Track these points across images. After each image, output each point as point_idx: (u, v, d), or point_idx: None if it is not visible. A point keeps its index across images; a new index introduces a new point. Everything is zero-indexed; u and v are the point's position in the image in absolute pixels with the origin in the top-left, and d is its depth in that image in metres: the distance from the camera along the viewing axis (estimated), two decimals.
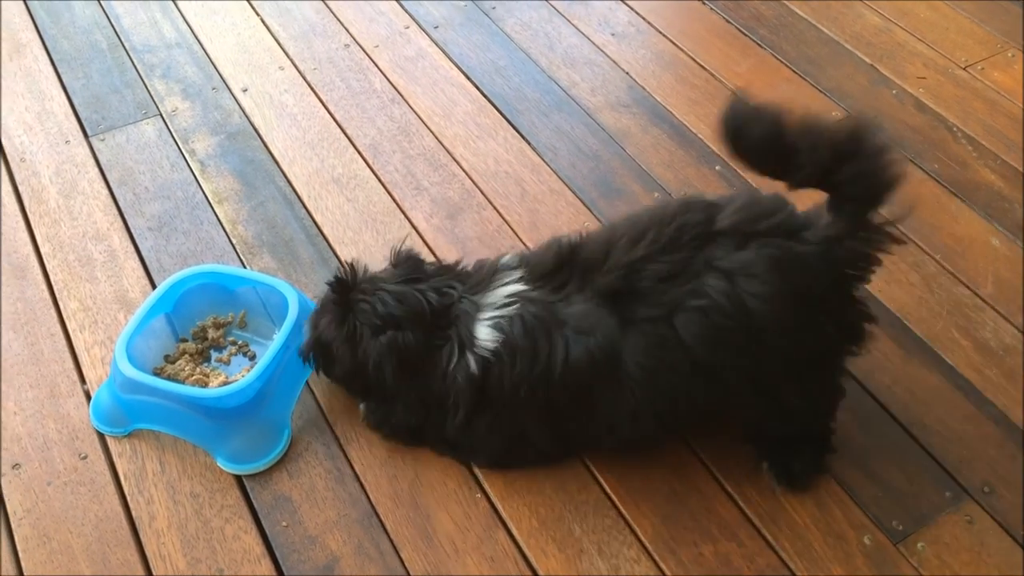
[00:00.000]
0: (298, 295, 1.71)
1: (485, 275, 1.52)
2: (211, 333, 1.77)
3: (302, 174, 2.11)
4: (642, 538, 1.48)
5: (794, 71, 2.31)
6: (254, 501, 1.55)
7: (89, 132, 2.23)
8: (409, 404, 1.52)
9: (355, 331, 1.49)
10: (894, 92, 2.24)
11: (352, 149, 2.17)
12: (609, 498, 1.53)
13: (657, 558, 1.45)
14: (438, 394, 1.47)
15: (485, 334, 1.43)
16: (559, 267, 1.47)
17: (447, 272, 1.56)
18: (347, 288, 1.52)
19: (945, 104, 2.20)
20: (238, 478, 1.58)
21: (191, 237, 1.98)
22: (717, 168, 2.08)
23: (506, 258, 1.54)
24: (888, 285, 1.82)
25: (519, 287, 1.46)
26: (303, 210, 2.03)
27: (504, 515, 1.52)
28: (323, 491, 1.55)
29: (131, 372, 1.58)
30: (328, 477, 1.57)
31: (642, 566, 1.45)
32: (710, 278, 1.35)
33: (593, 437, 1.50)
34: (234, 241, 1.97)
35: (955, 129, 2.14)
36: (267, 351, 1.60)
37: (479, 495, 1.54)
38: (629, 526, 1.49)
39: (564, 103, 2.26)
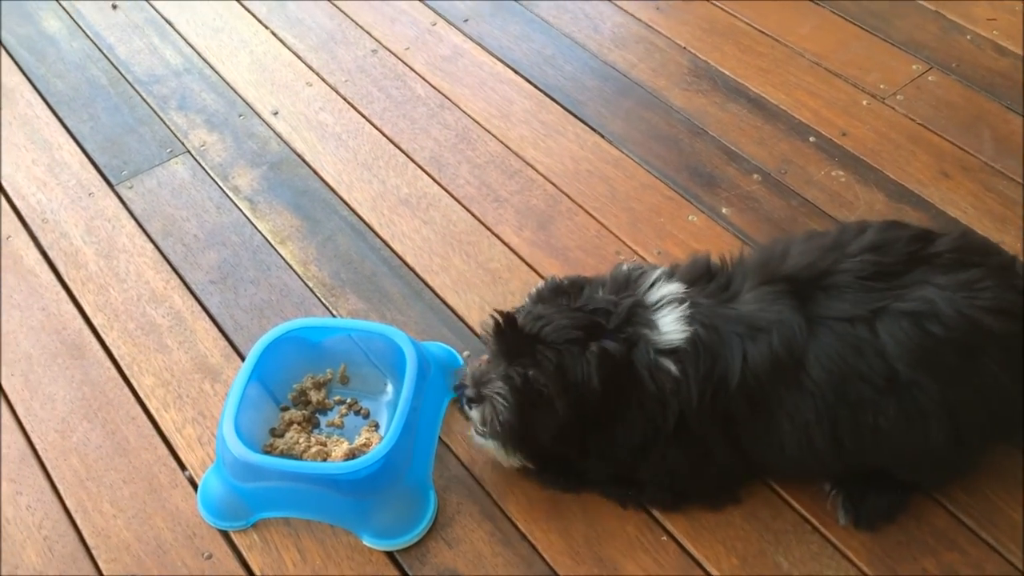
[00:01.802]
0: (408, 337, 1.53)
1: (625, 281, 1.34)
2: (313, 395, 1.57)
3: (365, 199, 1.92)
4: (856, 561, 1.34)
5: (861, 27, 2.17)
6: None
7: (113, 180, 2.00)
8: (624, 430, 1.31)
9: (559, 356, 1.25)
10: (968, 38, 2.12)
11: (412, 165, 1.97)
12: (807, 521, 1.39)
13: None
14: (648, 406, 1.28)
15: (671, 327, 1.26)
16: (711, 273, 1.35)
17: (578, 291, 1.35)
18: (518, 328, 1.29)
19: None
20: (391, 556, 1.40)
21: (261, 286, 1.77)
22: (812, 140, 1.94)
23: (633, 263, 1.39)
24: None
25: (676, 285, 1.31)
26: (377, 240, 1.84)
27: (698, 556, 1.37)
28: (490, 557, 1.39)
29: (250, 457, 1.39)
30: (491, 540, 1.40)
31: None
32: (928, 289, 1.21)
33: (765, 460, 1.36)
34: (310, 284, 1.77)
35: None
36: (399, 407, 1.42)
37: (664, 538, 1.39)
38: (839, 550, 1.36)
39: (628, 88, 2.10)
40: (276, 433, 1.53)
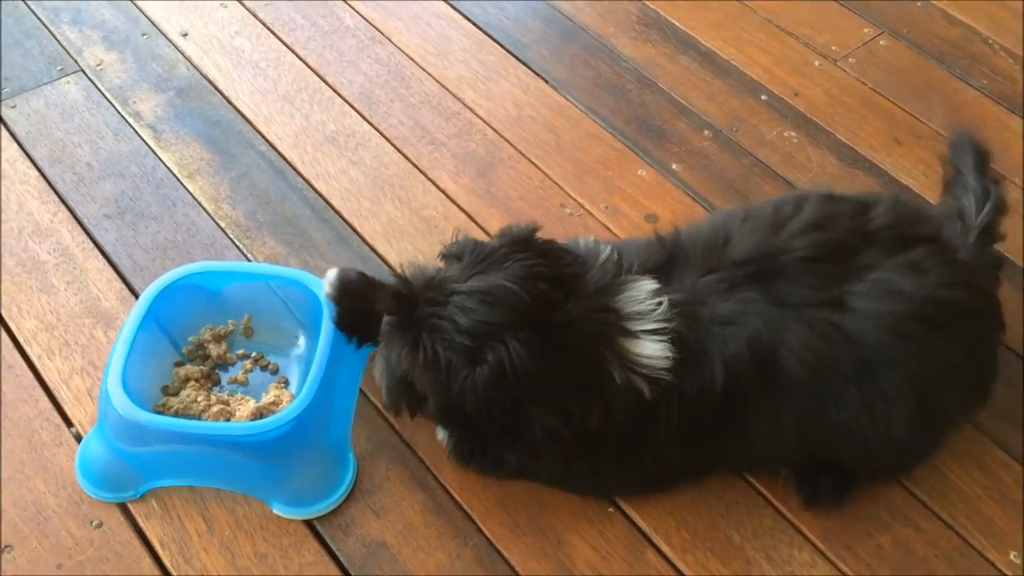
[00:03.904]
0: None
1: (597, 271, 1.16)
2: (213, 349, 1.40)
3: (286, 135, 1.73)
4: (810, 536, 1.27)
5: None
6: (339, 553, 1.23)
7: None
8: (535, 440, 1.13)
9: (436, 358, 1.07)
10: (919, 4, 2.07)
11: (339, 100, 1.80)
12: (760, 494, 1.31)
13: (834, 558, 1.25)
14: (578, 419, 1.10)
15: (654, 350, 1.11)
16: (671, 258, 1.21)
17: (522, 249, 1.14)
18: (408, 303, 1.10)
19: (973, 15, 2.05)
20: (311, 526, 1.25)
21: (165, 223, 1.58)
22: (763, 98, 1.85)
23: (605, 250, 1.20)
24: None
25: (655, 285, 1.15)
26: (299, 179, 1.67)
27: (646, 530, 1.27)
28: (423, 528, 1.26)
29: (141, 416, 1.21)
30: (424, 510, 1.27)
31: (819, 569, 1.24)
32: (883, 270, 1.15)
33: (725, 458, 1.27)
34: (222, 224, 1.59)
35: (991, 41, 2.00)
36: (315, 361, 1.26)
37: (611, 509, 1.29)
38: (792, 524, 1.28)
39: (574, 32, 1.97)
40: (170, 391, 1.35)
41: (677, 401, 1.13)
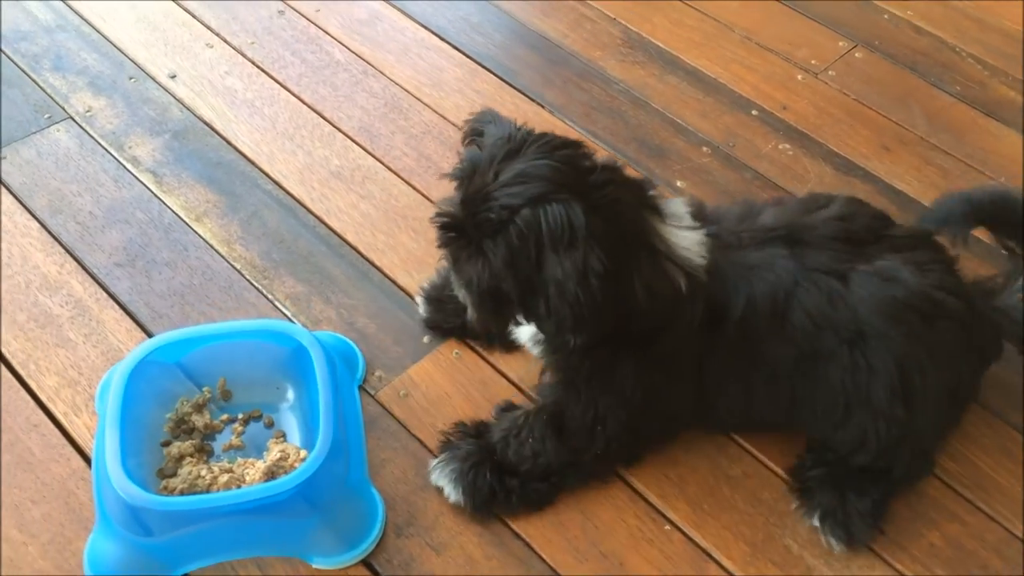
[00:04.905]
0: (301, 328, 1.33)
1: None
2: (196, 420, 1.33)
3: (290, 172, 1.71)
4: None
5: (784, 4, 2.17)
6: None
7: None
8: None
9: (506, 248, 1.09)
10: (886, 17, 2.16)
11: (340, 135, 1.79)
12: None
13: (889, 558, 1.28)
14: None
15: (692, 240, 1.18)
16: (705, 218, 1.27)
17: (526, 136, 1.15)
18: (457, 225, 1.12)
19: (939, 26, 2.14)
20: (371, 567, 1.23)
21: (179, 268, 1.54)
22: (754, 113, 1.90)
23: None
24: None
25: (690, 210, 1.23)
26: (310, 216, 1.65)
27: (705, 545, 1.28)
28: (483, 561, 1.24)
29: (168, 502, 1.16)
30: (482, 542, 1.26)
31: (878, 571, 1.27)
32: (889, 259, 1.23)
33: (724, 403, 1.30)
34: (238, 266, 1.56)
35: (958, 49, 2.09)
36: (323, 402, 1.22)
37: (667, 527, 1.29)
38: None
39: (562, 59, 1.99)
40: (166, 473, 1.27)
41: (703, 309, 1.18)
